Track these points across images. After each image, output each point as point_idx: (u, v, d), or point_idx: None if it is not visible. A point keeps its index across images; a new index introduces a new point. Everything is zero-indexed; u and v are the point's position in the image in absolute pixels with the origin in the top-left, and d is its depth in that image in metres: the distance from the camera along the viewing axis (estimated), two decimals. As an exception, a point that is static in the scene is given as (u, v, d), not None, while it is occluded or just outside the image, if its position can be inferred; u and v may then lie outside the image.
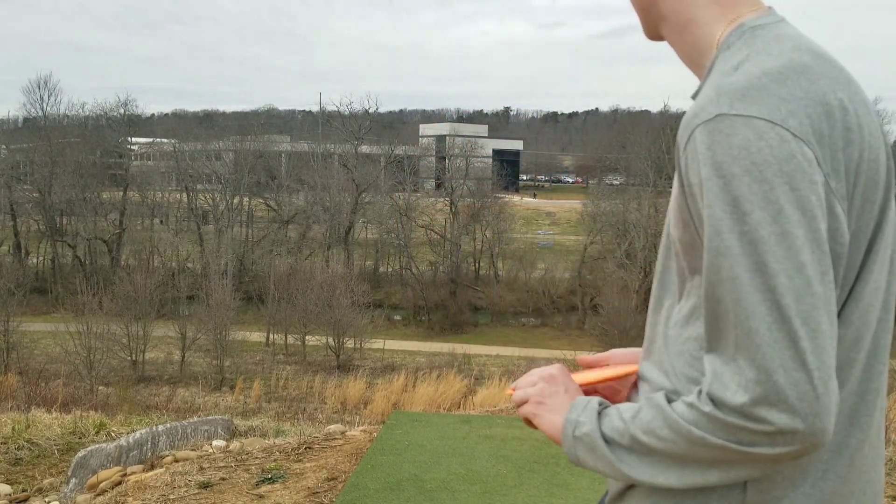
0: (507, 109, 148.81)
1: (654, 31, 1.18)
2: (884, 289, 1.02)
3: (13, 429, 6.32)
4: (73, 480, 5.04)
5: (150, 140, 57.02)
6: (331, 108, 71.49)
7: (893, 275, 1.04)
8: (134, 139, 54.93)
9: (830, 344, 0.88)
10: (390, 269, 47.09)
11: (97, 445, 5.39)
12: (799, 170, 0.89)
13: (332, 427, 5.50)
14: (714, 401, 0.91)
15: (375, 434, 4.83)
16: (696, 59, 1.11)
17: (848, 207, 0.95)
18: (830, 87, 0.96)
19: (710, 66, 1.04)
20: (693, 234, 1.00)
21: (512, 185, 66.67)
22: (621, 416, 1.01)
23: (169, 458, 4.91)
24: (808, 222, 0.89)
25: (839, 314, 0.96)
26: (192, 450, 5.14)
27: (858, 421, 1.01)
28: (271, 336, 34.68)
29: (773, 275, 0.87)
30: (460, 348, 31.76)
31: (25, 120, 54.51)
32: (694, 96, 1.07)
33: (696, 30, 1.09)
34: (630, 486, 1.07)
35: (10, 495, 5.12)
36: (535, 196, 74.19)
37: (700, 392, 0.94)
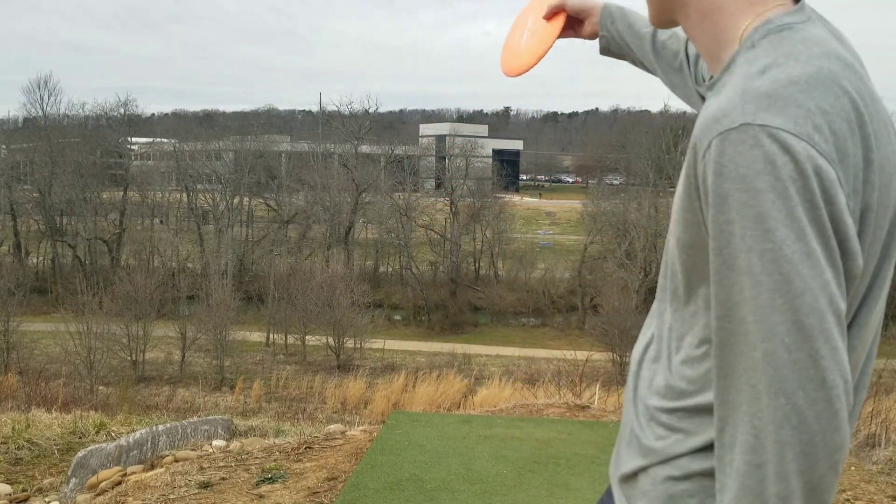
0: (507, 109, 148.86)
1: (666, 18, 1.13)
2: (883, 310, 1.02)
3: (13, 429, 6.32)
4: (73, 480, 5.04)
5: (150, 140, 57.04)
6: (331, 108, 71.59)
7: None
8: (134, 139, 54.94)
9: (847, 361, 0.88)
10: (390, 269, 47.10)
11: (97, 445, 5.39)
12: (821, 189, 0.87)
13: (332, 427, 5.50)
14: None
15: (375, 434, 4.83)
16: (714, 51, 1.06)
17: (859, 230, 0.93)
18: (856, 103, 0.93)
19: (730, 63, 1.00)
20: (697, 236, 0.98)
21: (512, 185, 66.67)
22: None
23: (169, 458, 4.91)
24: (827, 241, 0.87)
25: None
26: (192, 450, 5.14)
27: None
28: (271, 336, 34.68)
29: (797, 294, 0.86)
30: (460, 348, 31.77)
31: (25, 120, 54.56)
32: (710, 87, 1.04)
33: (721, 20, 1.04)
34: (644, 468, 1.06)
35: (10, 495, 5.12)
36: (540, 196, 74.22)
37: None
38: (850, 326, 0.97)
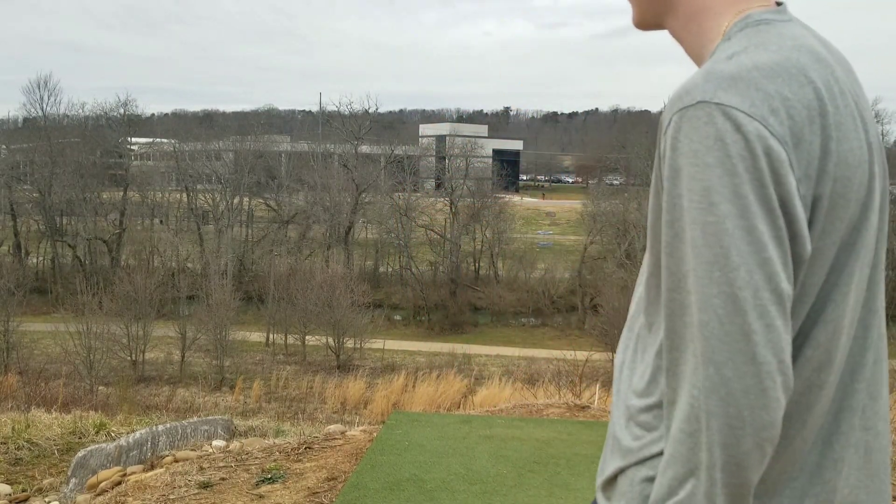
0: (507, 109, 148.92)
1: (653, 20, 1.14)
2: (860, 308, 1.00)
3: (13, 429, 6.32)
4: (72, 480, 5.04)
5: (150, 140, 57.04)
6: (331, 108, 71.63)
7: (875, 293, 1.02)
8: (134, 139, 54.92)
9: (786, 340, 0.89)
10: (390, 269, 47.10)
11: (97, 445, 5.39)
12: (771, 168, 0.88)
13: (332, 427, 5.50)
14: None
15: (375, 434, 4.83)
16: (699, 51, 1.08)
17: (810, 218, 0.93)
18: (820, 94, 0.94)
19: (710, 56, 1.02)
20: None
21: (512, 185, 66.68)
22: None
23: (169, 458, 4.91)
24: (774, 220, 0.88)
25: (807, 335, 0.96)
26: (192, 450, 5.14)
27: (837, 441, 1.00)
28: (271, 336, 34.68)
29: (734, 268, 0.87)
30: (460, 348, 31.77)
31: (25, 120, 54.53)
32: None
33: (706, 20, 1.06)
34: (622, 470, 1.05)
35: (10, 495, 5.12)
36: (543, 196, 74.23)
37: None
38: (815, 321, 0.96)
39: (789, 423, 0.95)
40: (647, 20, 1.15)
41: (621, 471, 1.06)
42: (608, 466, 1.10)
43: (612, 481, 1.08)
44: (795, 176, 0.90)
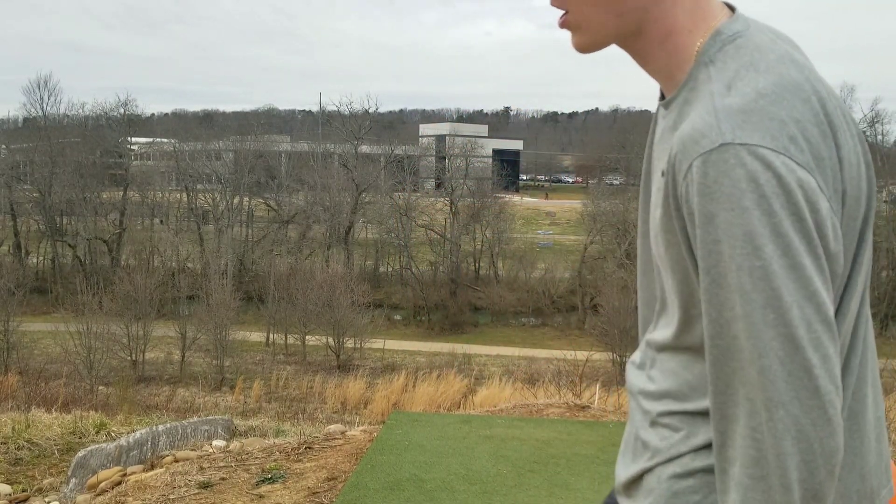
0: (507, 109, 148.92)
1: (614, 40, 1.10)
2: (862, 292, 1.05)
3: (13, 429, 6.32)
4: (73, 480, 5.04)
5: (150, 140, 57.05)
6: (331, 108, 71.60)
7: (868, 280, 1.07)
8: (134, 139, 54.94)
9: (837, 365, 0.92)
10: (390, 269, 47.10)
11: (97, 445, 5.39)
12: (805, 199, 0.90)
13: (332, 427, 5.50)
14: None
15: (375, 434, 4.83)
16: (671, 71, 1.07)
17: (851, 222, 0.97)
18: (820, 103, 0.96)
19: (689, 79, 1.02)
20: (678, 255, 1.01)
21: (512, 185, 66.69)
22: None
23: (169, 458, 4.91)
24: (814, 250, 0.90)
25: None
26: (192, 450, 5.14)
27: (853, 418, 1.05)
28: (271, 336, 34.68)
29: (788, 308, 0.88)
30: (460, 348, 31.77)
31: (25, 120, 54.54)
32: (665, 105, 1.07)
33: (679, 39, 1.05)
34: (650, 469, 1.08)
35: (10, 495, 5.12)
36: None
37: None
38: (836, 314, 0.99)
39: None
40: (602, 43, 1.11)
41: (648, 470, 1.08)
42: (632, 467, 1.12)
43: (636, 481, 1.10)
44: (826, 196, 0.92)
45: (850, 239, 0.99)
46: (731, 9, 1.07)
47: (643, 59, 1.10)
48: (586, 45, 1.11)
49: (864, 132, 52.17)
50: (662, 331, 1.12)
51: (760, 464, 0.90)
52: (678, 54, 1.05)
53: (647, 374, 1.14)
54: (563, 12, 1.10)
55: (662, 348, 1.11)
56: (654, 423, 1.09)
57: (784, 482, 0.89)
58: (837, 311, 0.99)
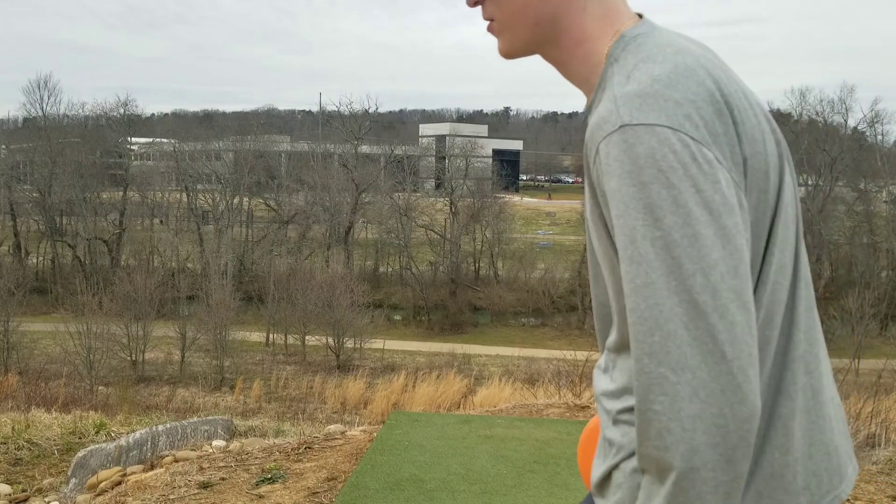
0: (507, 109, 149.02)
1: (530, 49, 1.18)
2: (791, 264, 1.08)
3: (13, 429, 6.32)
4: (72, 480, 5.04)
5: (150, 140, 57.05)
6: (331, 108, 71.66)
7: (801, 243, 1.11)
8: (134, 139, 54.95)
9: (749, 333, 0.94)
10: (390, 269, 47.10)
11: (97, 445, 5.39)
12: (702, 172, 0.95)
13: (332, 427, 5.51)
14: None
15: (375, 434, 4.83)
16: (586, 76, 1.14)
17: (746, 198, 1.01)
18: (715, 84, 1.02)
19: (601, 81, 1.08)
20: (607, 245, 1.05)
21: (512, 185, 66.69)
22: None
23: (169, 458, 4.91)
24: (716, 220, 0.94)
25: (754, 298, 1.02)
26: (192, 450, 5.14)
27: (786, 390, 1.06)
28: (271, 336, 34.68)
29: (689, 275, 0.92)
30: (460, 348, 31.78)
31: (25, 120, 54.56)
32: (586, 112, 1.12)
33: (590, 45, 1.12)
34: (615, 466, 1.10)
35: (9, 495, 5.12)
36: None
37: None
38: (756, 284, 1.03)
39: None
40: (521, 50, 1.18)
41: (615, 467, 1.10)
42: (600, 467, 1.14)
43: (606, 478, 1.12)
44: (726, 168, 0.97)
45: (762, 210, 1.04)
46: (641, 17, 1.15)
47: (563, 67, 1.18)
48: (507, 51, 1.19)
49: (864, 132, 51.87)
50: (613, 332, 1.15)
51: (673, 431, 0.92)
52: (590, 60, 1.13)
53: (610, 375, 1.17)
54: (490, 20, 1.19)
55: (618, 349, 1.14)
56: (616, 421, 1.11)
57: (694, 445, 0.91)
58: (757, 281, 1.03)
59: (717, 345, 0.91)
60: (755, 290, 1.02)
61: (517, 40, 1.17)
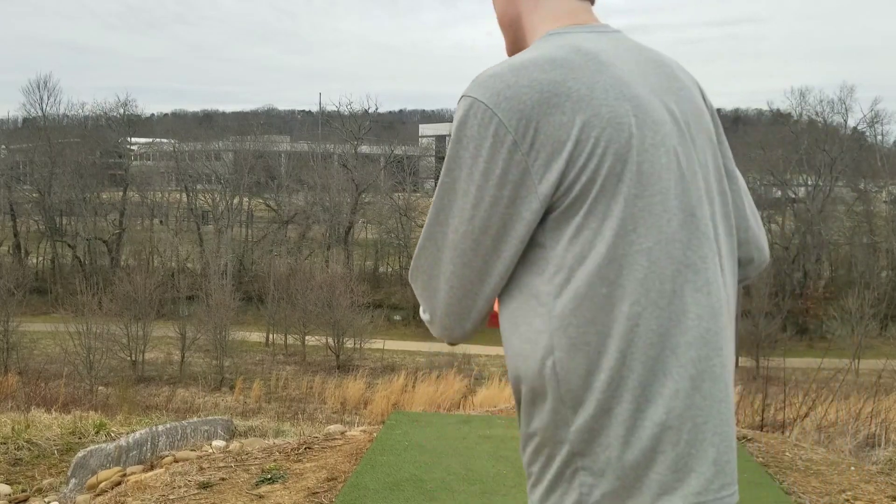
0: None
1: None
2: (680, 239, 1.11)
3: (13, 429, 6.32)
4: (72, 481, 5.04)
5: (150, 140, 57.03)
6: (330, 108, 71.52)
7: (663, 231, 1.10)
8: (134, 139, 54.93)
9: (478, 276, 1.14)
10: (390, 269, 47.10)
11: (97, 445, 5.39)
12: (494, 146, 1.09)
13: (332, 427, 5.51)
14: None
15: (375, 434, 4.83)
16: None
17: (570, 183, 1.08)
18: (561, 77, 1.10)
19: None
20: None
21: (512, 185, 66.48)
22: None
23: (169, 459, 4.91)
24: (492, 190, 1.10)
25: (621, 262, 1.08)
26: (192, 450, 5.14)
27: (666, 369, 1.07)
28: (271, 336, 34.68)
29: (451, 218, 1.14)
30: (460, 348, 31.77)
31: (25, 120, 54.49)
32: None
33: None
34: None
35: (9, 495, 5.12)
36: None
37: None
38: (627, 252, 1.08)
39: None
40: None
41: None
42: None
43: None
44: (522, 151, 1.08)
45: (614, 190, 1.08)
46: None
47: None
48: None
49: (864, 132, 51.80)
50: None
51: (427, 309, 1.24)
52: None
53: None
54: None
55: None
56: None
57: (432, 323, 1.25)
58: (630, 246, 1.08)
59: (445, 278, 1.17)
60: (628, 257, 1.08)
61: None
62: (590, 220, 1.09)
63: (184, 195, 48.98)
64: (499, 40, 1.36)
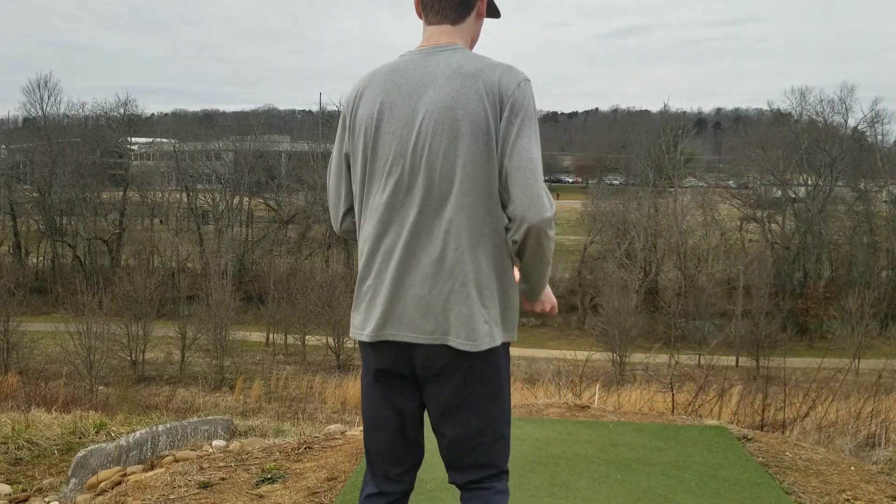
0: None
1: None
2: (388, 195, 2.05)
3: (13, 429, 6.33)
4: (72, 480, 5.04)
5: (150, 140, 57.00)
6: (331, 107, 71.50)
7: (410, 187, 2.04)
8: (134, 139, 54.90)
9: (335, 192, 2.22)
10: (390, 269, 47.01)
11: (97, 445, 5.39)
12: (343, 115, 2.16)
13: (333, 427, 5.51)
14: None
15: (375, 434, 4.81)
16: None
17: (362, 149, 2.10)
18: (363, 85, 2.13)
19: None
20: None
21: (512, 185, 66.47)
22: None
23: (169, 458, 4.91)
24: (337, 143, 2.20)
25: (367, 199, 2.12)
26: (192, 450, 5.14)
27: (374, 261, 2.13)
28: (271, 336, 34.66)
29: (333, 156, 2.24)
30: (460, 348, 31.69)
31: (25, 120, 54.44)
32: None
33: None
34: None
35: (9, 495, 5.12)
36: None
37: None
38: (369, 194, 2.11)
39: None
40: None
41: None
42: None
43: None
44: (348, 120, 2.15)
45: (365, 166, 2.09)
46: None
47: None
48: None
49: (864, 132, 51.72)
50: None
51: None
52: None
53: None
54: None
55: None
56: None
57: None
58: (368, 189, 2.10)
59: (328, 189, 2.27)
60: (370, 199, 2.10)
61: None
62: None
63: (184, 195, 48.95)
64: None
